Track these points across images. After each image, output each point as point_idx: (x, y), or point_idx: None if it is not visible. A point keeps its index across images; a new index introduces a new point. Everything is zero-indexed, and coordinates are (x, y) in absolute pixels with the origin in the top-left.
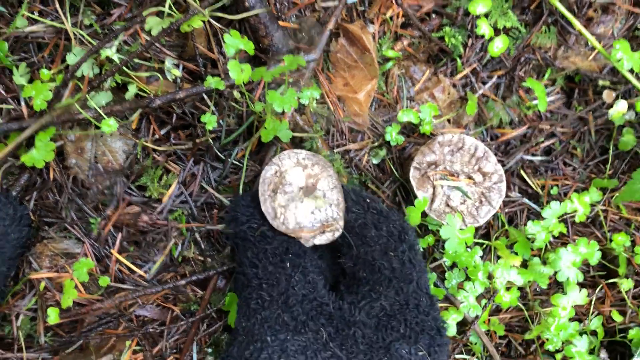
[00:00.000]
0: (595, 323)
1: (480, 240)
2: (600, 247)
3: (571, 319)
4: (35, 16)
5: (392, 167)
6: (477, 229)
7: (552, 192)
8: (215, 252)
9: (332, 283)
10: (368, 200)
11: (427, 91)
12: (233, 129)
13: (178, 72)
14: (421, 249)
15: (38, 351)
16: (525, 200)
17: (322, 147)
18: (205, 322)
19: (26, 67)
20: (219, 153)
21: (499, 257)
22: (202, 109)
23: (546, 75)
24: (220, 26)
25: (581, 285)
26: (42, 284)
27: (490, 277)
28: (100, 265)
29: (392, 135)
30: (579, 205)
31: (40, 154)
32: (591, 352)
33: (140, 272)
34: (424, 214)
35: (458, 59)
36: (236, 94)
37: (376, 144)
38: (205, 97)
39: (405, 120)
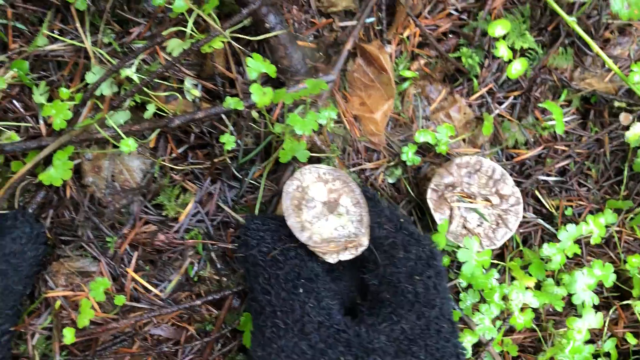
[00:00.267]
0: (609, 345)
1: (495, 261)
2: (614, 268)
3: (586, 342)
4: (56, 35)
5: (407, 186)
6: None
7: (566, 212)
8: (231, 271)
9: (350, 304)
10: (401, 220)
11: (443, 111)
12: (250, 148)
13: (197, 93)
14: (447, 276)
15: None
16: (540, 220)
17: (338, 166)
18: (220, 341)
19: (45, 86)
20: (236, 172)
21: (513, 278)
22: (220, 128)
23: (562, 97)
24: (240, 47)
25: (595, 307)
26: (58, 303)
27: (505, 298)
28: (116, 283)
29: (409, 155)
30: (595, 227)
31: (58, 173)
32: None
33: (156, 291)
34: None
35: (474, 79)
36: (254, 114)
37: (392, 163)
38: (223, 116)
39: (422, 141)
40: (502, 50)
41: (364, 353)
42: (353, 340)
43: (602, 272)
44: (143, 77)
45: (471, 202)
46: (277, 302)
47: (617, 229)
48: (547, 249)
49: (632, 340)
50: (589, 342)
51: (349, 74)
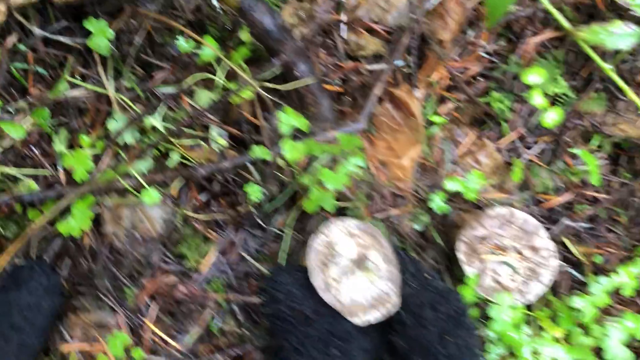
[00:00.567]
0: None
1: (524, 311)
2: None
3: None
4: (77, 80)
5: (434, 234)
6: None
7: (595, 260)
8: (253, 324)
9: None
10: (427, 276)
11: (471, 155)
12: (274, 196)
13: (224, 142)
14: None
15: None
16: (569, 269)
17: (364, 213)
18: None
19: (66, 133)
20: (259, 221)
21: (540, 327)
22: (244, 176)
23: (593, 141)
24: (269, 95)
25: None
26: (74, 356)
27: (535, 351)
28: (134, 335)
29: (437, 203)
30: (627, 279)
31: (77, 223)
32: None
33: (175, 343)
34: None
35: (504, 123)
36: (280, 161)
37: (419, 209)
38: (249, 165)
39: (452, 189)
40: (538, 99)
41: None
42: None
43: (635, 324)
44: (168, 126)
45: (503, 255)
46: None
47: None
48: (578, 302)
49: None
50: None
51: (376, 118)
